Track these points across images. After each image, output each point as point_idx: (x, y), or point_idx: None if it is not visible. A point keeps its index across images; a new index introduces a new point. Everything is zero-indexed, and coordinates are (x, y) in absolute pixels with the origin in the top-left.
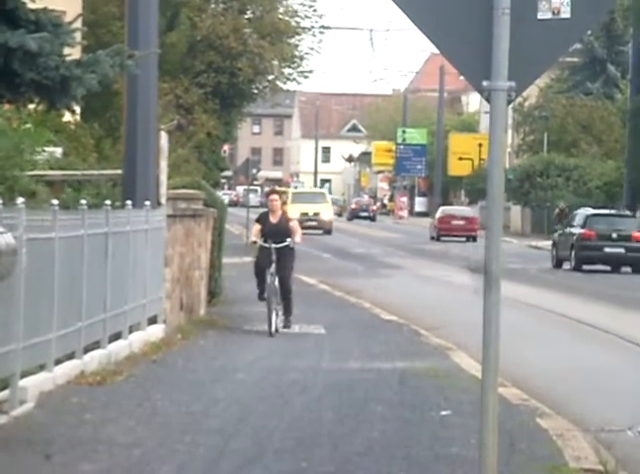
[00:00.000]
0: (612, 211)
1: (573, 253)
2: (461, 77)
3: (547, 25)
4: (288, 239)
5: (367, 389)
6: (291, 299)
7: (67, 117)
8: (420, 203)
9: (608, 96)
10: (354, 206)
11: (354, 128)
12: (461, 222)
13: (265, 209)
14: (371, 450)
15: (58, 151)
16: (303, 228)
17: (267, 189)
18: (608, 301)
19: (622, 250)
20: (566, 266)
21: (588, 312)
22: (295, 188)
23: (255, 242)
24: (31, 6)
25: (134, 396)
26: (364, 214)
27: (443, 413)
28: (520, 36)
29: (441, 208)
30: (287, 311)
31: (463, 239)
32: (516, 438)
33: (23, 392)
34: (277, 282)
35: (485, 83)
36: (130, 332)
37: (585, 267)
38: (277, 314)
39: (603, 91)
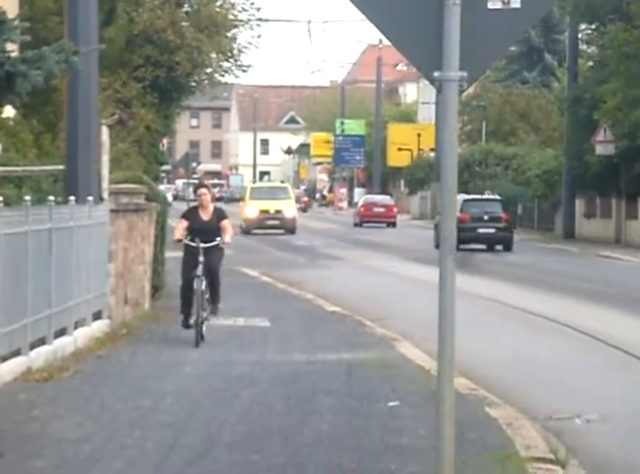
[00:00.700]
0: (484, 196)
1: None
2: (398, 68)
3: (498, 14)
4: (218, 238)
5: (315, 381)
6: (219, 290)
7: (5, 113)
8: (359, 194)
9: (545, 84)
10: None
11: (292, 120)
12: (382, 209)
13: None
14: (321, 442)
15: None
16: (264, 228)
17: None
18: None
19: (493, 230)
20: None
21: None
22: (254, 182)
23: (180, 240)
24: None
25: (82, 392)
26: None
27: (392, 404)
28: (471, 26)
29: (364, 197)
30: (215, 298)
31: (384, 225)
32: (466, 428)
33: None
34: (204, 286)
35: (436, 74)
36: (76, 328)
37: (461, 246)
38: (203, 322)
39: (540, 79)
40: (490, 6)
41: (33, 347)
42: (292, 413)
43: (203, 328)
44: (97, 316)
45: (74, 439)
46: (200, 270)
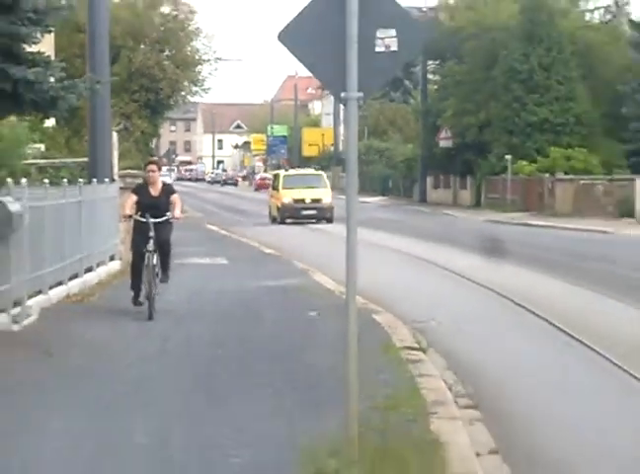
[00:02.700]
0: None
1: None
2: (309, 91)
3: (382, 55)
4: (168, 213)
5: (261, 298)
6: (169, 261)
7: (47, 123)
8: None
9: (406, 101)
10: (224, 177)
11: (238, 126)
12: (269, 181)
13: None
14: (267, 339)
15: (42, 147)
16: (299, 218)
17: (180, 167)
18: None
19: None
20: None
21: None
22: (286, 170)
23: (129, 216)
24: (29, 50)
25: (105, 308)
26: (230, 182)
27: (311, 313)
28: (365, 61)
29: (259, 174)
30: (166, 267)
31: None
32: (362, 329)
33: (29, 309)
34: (155, 260)
35: (343, 94)
36: (98, 266)
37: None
38: (153, 297)
39: (403, 98)
40: (377, 49)
41: (70, 279)
42: (245, 322)
43: (154, 303)
44: (112, 258)
45: (103, 340)
46: (151, 244)
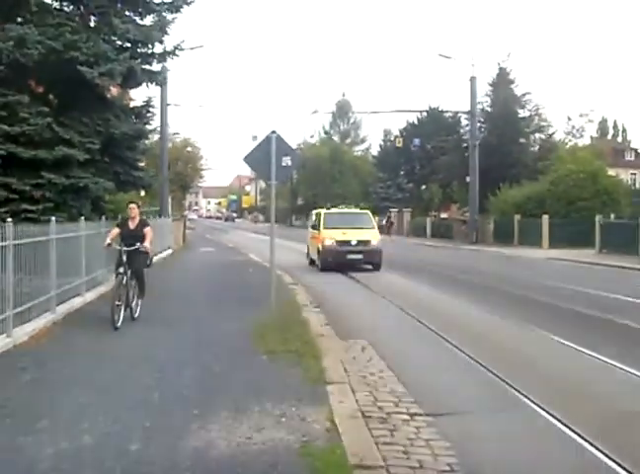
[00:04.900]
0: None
1: None
2: (246, 181)
3: (285, 167)
4: (138, 243)
5: (235, 264)
6: (144, 287)
7: (141, 193)
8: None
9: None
10: (204, 216)
11: (215, 197)
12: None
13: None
14: (236, 280)
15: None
16: (344, 263)
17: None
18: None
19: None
20: None
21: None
22: (328, 208)
23: (109, 245)
24: (140, 164)
25: (168, 265)
26: (212, 217)
27: (250, 270)
28: (279, 169)
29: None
30: (140, 293)
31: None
32: (279, 284)
33: (85, 297)
34: (124, 281)
35: (269, 182)
36: (167, 249)
37: None
38: (122, 309)
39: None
40: (283, 164)
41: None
42: (224, 274)
43: (132, 311)
44: (169, 247)
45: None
46: (121, 269)
